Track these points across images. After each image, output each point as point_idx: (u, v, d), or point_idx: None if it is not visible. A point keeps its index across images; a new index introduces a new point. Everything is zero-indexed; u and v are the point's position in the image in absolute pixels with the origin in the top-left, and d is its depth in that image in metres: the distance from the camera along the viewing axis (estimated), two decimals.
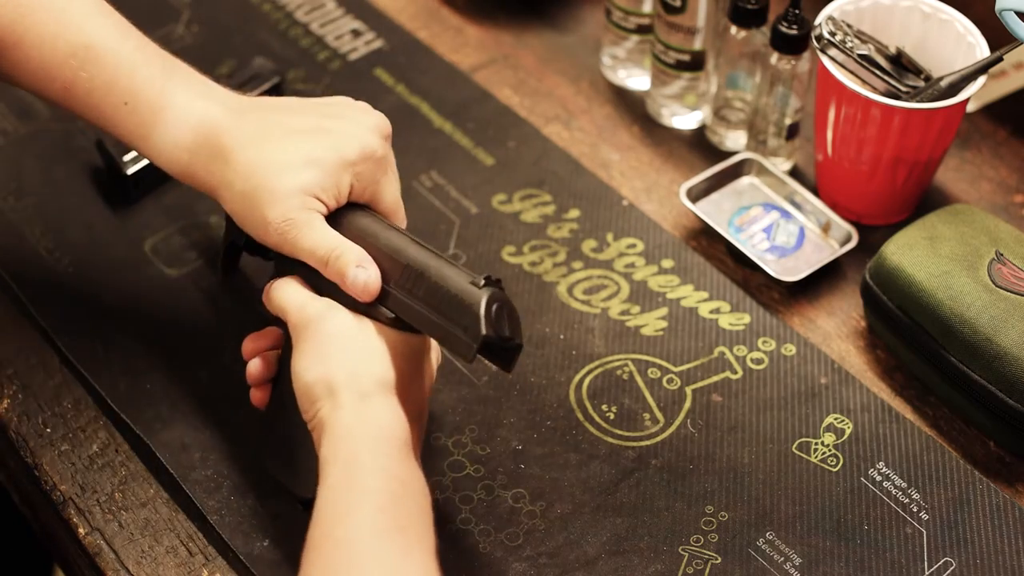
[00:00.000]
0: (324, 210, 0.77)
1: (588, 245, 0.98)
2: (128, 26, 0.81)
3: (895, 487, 0.85)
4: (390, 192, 0.81)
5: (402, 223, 0.82)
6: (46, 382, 0.89)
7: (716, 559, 0.81)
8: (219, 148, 0.78)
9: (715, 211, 0.99)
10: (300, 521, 0.82)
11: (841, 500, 0.84)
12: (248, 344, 0.81)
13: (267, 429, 0.80)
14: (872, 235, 0.98)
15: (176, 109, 0.79)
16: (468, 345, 0.72)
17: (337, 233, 0.77)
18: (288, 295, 0.77)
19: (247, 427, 0.86)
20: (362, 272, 0.75)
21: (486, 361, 0.78)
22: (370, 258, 0.76)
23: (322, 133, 0.78)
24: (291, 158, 0.76)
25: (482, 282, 0.72)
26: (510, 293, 0.94)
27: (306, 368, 0.74)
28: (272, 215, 0.76)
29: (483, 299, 0.72)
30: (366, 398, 0.72)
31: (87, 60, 0.78)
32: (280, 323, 0.79)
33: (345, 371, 0.73)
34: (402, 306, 0.75)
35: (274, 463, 0.80)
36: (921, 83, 0.95)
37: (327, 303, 0.76)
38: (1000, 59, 0.92)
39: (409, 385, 0.76)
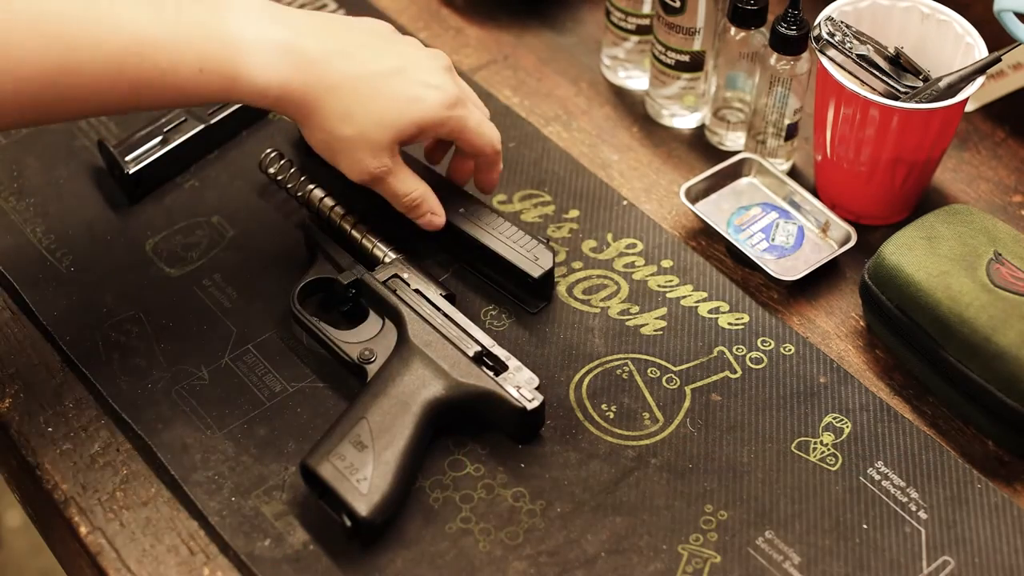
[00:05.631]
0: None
1: (588, 245, 0.98)
2: None
3: (894, 486, 0.85)
4: (471, 124, 0.89)
5: (488, 146, 0.91)
6: (47, 381, 0.89)
7: (715, 558, 0.81)
8: (311, 92, 0.83)
9: (714, 211, 1.00)
10: (301, 521, 0.82)
11: (840, 499, 0.84)
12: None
13: None
14: (871, 235, 0.98)
15: (252, 55, 0.81)
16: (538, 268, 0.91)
17: (416, 177, 0.90)
18: None
19: (247, 427, 0.86)
20: (434, 218, 0.91)
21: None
22: (439, 206, 0.91)
23: (406, 81, 0.86)
24: (384, 111, 0.85)
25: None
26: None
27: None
28: (369, 164, 0.86)
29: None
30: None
31: (142, 53, 0.79)
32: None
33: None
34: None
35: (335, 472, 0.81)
36: (920, 83, 0.95)
37: None
38: (998, 60, 0.93)
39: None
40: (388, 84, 0.85)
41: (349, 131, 0.85)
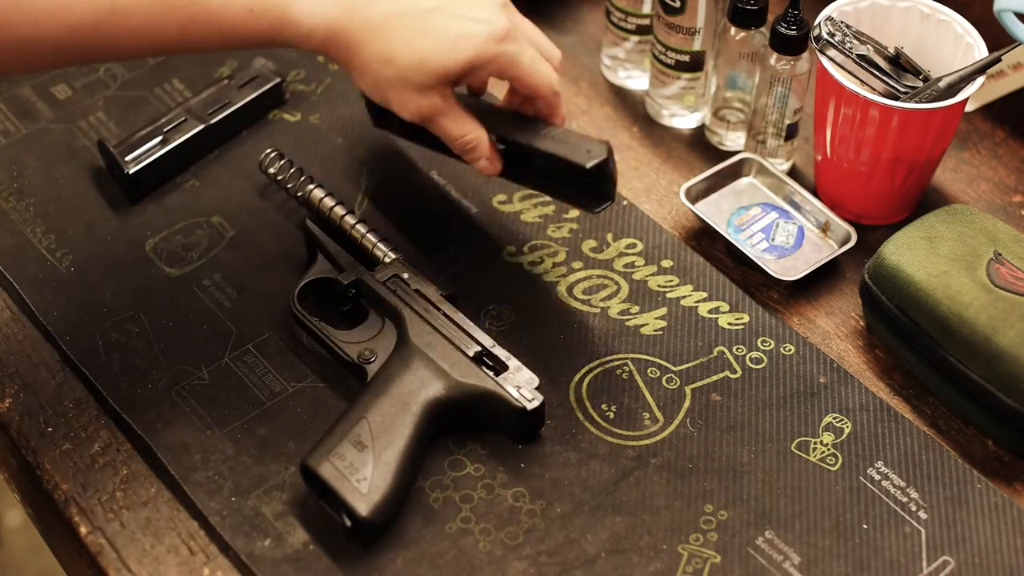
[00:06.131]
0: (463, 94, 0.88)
1: (588, 245, 0.98)
2: None
3: (894, 486, 0.85)
4: (524, 60, 0.86)
5: (544, 86, 0.88)
6: (48, 381, 0.89)
7: (715, 558, 0.81)
8: (354, 33, 0.83)
9: (714, 211, 1.00)
10: (301, 521, 0.82)
11: (840, 499, 0.84)
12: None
13: None
14: (871, 235, 0.98)
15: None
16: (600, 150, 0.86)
17: (472, 119, 0.87)
18: None
19: (247, 427, 0.86)
20: (488, 164, 0.89)
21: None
22: (494, 151, 0.89)
23: (450, 17, 0.84)
24: (427, 51, 0.83)
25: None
26: (510, 293, 0.95)
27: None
28: (423, 103, 0.85)
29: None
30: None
31: None
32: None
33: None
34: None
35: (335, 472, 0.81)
36: (919, 83, 0.95)
37: None
38: (998, 60, 0.93)
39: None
40: (431, 22, 0.83)
41: (391, 73, 0.84)
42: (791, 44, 0.96)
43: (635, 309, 0.94)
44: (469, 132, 0.87)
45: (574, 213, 1.00)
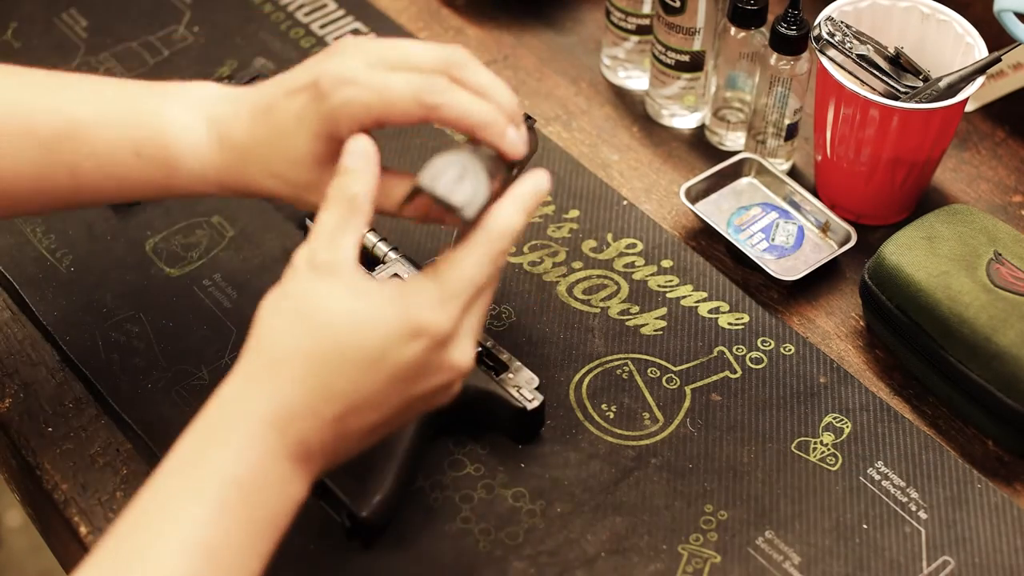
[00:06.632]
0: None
1: (588, 245, 0.98)
2: (84, 79, 0.78)
3: (894, 486, 0.85)
4: (373, 92, 0.71)
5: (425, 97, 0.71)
6: (47, 381, 0.89)
7: (715, 558, 0.81)
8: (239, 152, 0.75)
9: (714, 211, 1.00)
10: (299, 521, 0.82)
11: (840, 499, 0.84)
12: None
13: None
14: (871, 235, 0.98)
15: (187, 133, 0.75)
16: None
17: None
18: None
19: None
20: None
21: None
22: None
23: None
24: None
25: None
26: (510, 293, 0.94)
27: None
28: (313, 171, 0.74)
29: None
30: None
31: (76, 137, 0.75)
32: None
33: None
34: None
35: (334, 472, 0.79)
36: (919, 83, 0.95)
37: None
38: (998, 60, 0.93)
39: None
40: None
41: (281, 184, 0.76)
42: (791, 44, 0.96)
43: (635, 309, 0.94)
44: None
45: (574, 213, 1.00)
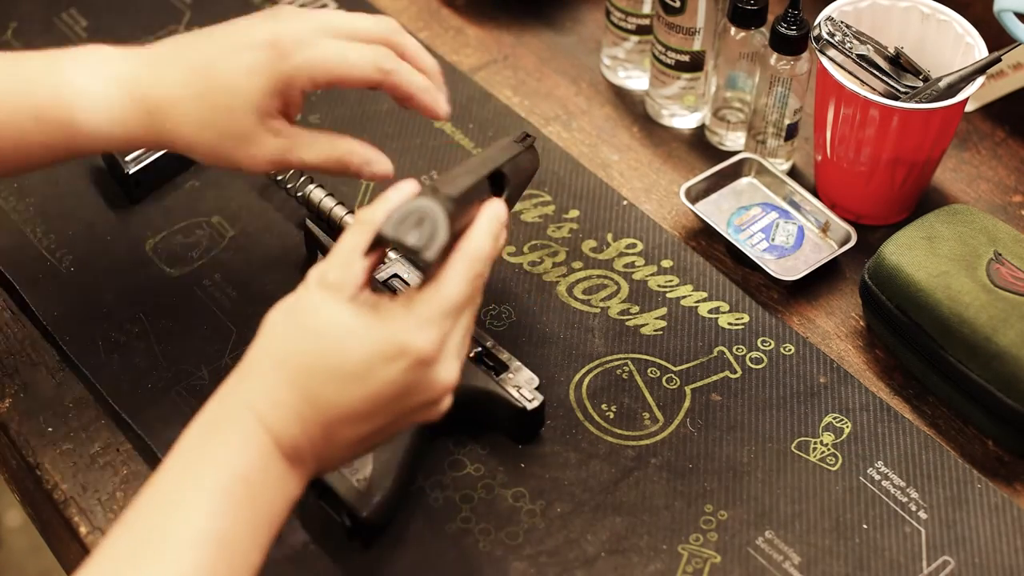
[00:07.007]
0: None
1: (588, 245, 0.98)
2: None
3: (894, 486, 0.85)
4: (315, 60, 0.77)
5: (362, 69, 0.78)
6: (47, 381, 0.89)
7: (715, 558, 0.81)
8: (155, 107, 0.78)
9: (714, 211, 1.00)
10: (301, 521, 0.82)
11: (840, 499, 0.84)
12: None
13: None
14: (871, 235, 0.98)
15: (87, 93, 0.78)
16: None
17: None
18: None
19: None
20: None
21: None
22: None
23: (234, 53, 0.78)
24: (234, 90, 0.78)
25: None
26: (510, 293, 0.94)
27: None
28: (267, 147, 0.79)
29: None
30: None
31: None
32: None
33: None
34: None
35: (334, 472, 0.80)
36: (919, 83, 0.95)
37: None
38: (998, 60, 0.93)
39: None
40: (214, 80, 0.78)
41: (211, 133, 0.79)
42: (791, 44, 0.96)
43: (635, 309, 0.94)
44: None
45: (574, 213, 1.00)
